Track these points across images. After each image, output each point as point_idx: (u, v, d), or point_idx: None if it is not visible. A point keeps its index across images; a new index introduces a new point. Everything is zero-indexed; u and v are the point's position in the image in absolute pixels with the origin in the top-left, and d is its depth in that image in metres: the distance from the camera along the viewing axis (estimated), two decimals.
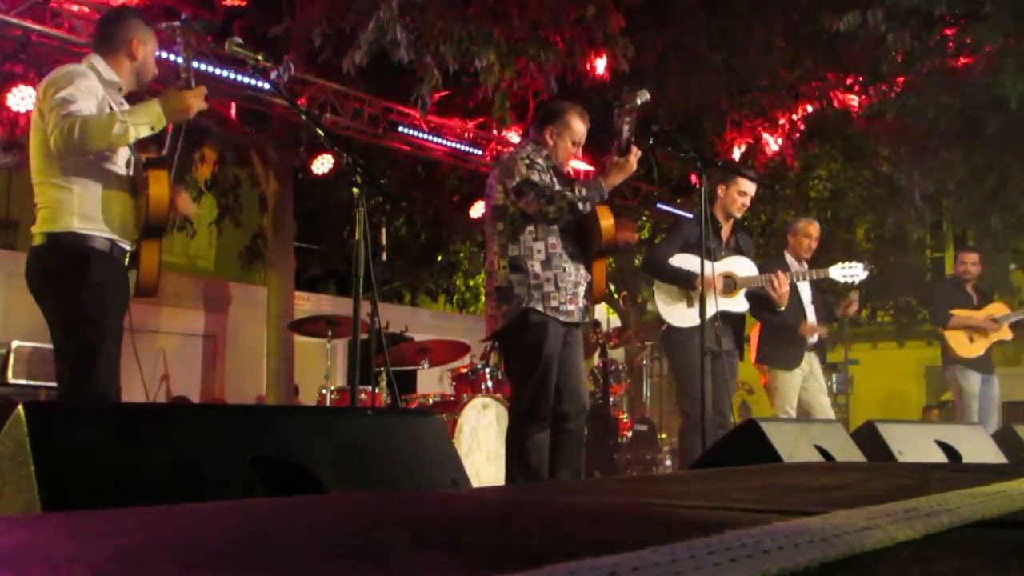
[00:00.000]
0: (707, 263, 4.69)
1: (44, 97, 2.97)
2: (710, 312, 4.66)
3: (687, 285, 4.69)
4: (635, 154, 3.61)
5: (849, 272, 4.94)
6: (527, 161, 3.64)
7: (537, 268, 3.60)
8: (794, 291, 5.41)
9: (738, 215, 4.89)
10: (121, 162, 3.11)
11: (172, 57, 6.27)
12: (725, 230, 4.89)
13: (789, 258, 5.52)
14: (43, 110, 2.97)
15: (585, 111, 3.87)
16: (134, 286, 3.15)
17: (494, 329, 3.70)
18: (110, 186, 3.06)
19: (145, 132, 2.95)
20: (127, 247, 3.12)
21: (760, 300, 4.84)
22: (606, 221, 3.63)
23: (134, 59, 3.19)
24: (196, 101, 3.03)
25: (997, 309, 6.47)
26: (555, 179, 3.69)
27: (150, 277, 3.13)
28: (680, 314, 4.73)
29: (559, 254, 3.63)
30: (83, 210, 3.00)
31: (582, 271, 3.70)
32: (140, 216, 3.09)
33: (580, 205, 3.54)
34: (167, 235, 3.37)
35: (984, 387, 6.33)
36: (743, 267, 4.79)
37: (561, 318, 3.61)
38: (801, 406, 5.48)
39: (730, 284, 4.70)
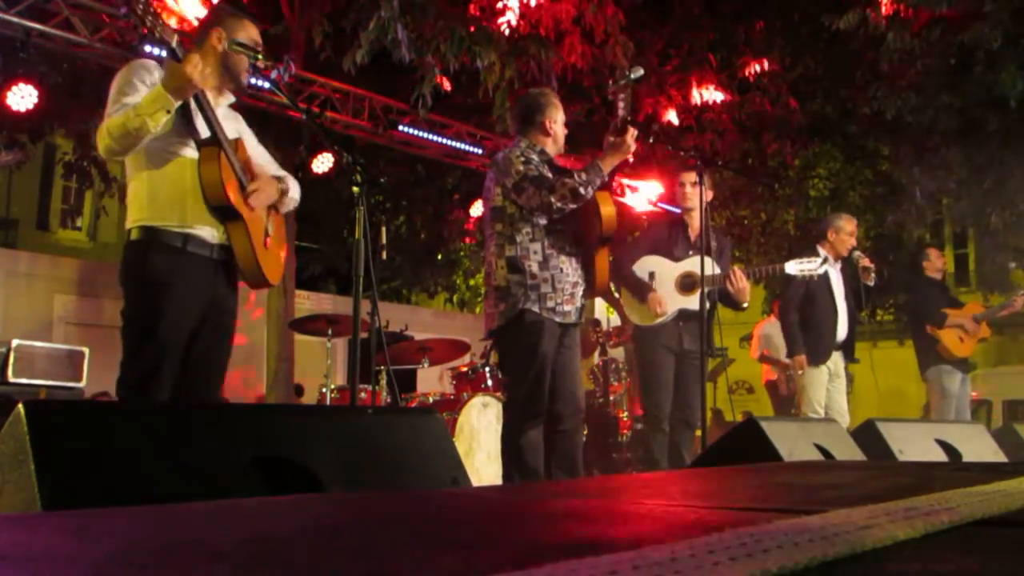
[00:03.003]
0: (669, 263, 4.75)
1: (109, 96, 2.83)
2: (672, 311, 4.68)
3: (638, 294, 4.74)
4: (631, 134, 3.54)
5: (808, 267, 4.92)
6: (523, 158, 3.63)
7: (535, 268, 3.59)
8: (827, 287, 5.40)
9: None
10: (195, 144, 2.89)
11: None
12: (692, 230, 4.85)
13: (824, 254, 5.39)
14: None
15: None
16: (240, 275, 2.99)
17: (491, 328, 3.71)
18: (182, 172, 2.85)
19: (163, 117, 2.71)
20: (212, 237, 2.89)
21: (722, 297, 4.82)
22: (607, 208, 3.58)
23: (215, 50, 2.95)
24: (192, 69, 2.72)
25: (973, 309, 6.50)
26: (550, 172, 3.67)
27: (246, 262, 2.93)
28: (643, 313, 4.74)
29: (556, 254, 3.62)
30: (154, 202, 2.83)
31: (580, 271, 3.70)
32: None
33: (582, 190, 3.50)
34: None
35: (961, 386, 6.36)
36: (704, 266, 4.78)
37: (557, 319, 3.61)
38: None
39: (689, 283, 4.69)
